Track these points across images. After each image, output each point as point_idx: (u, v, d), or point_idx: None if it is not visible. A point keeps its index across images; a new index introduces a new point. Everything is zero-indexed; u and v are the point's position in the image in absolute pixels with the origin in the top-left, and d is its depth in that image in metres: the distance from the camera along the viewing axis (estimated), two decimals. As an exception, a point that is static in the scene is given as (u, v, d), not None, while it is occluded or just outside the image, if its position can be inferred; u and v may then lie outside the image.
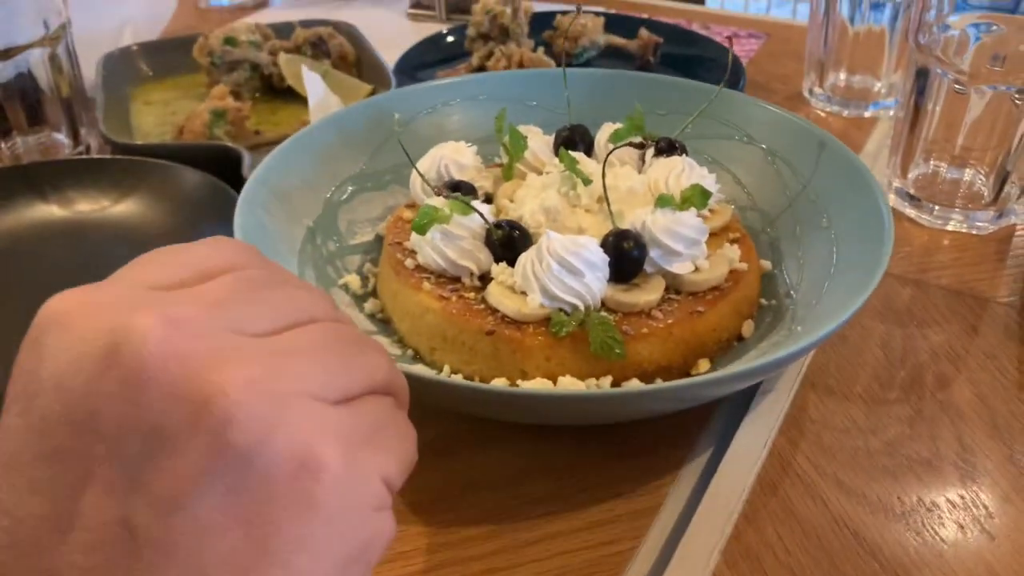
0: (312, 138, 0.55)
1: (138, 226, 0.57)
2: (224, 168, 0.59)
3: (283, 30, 0.81)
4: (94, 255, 0.56)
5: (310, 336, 0.23)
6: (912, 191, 0.60)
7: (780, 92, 0.80)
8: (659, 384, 0.41)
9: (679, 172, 0.49)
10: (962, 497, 0.40)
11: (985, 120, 0.56)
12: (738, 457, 0.42)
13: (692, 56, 0.81)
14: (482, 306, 0.44)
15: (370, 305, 0.49)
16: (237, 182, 0.58)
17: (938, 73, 0.56)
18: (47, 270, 0.55)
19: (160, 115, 0.74)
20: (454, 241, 0.45)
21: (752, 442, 0.43)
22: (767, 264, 0.51)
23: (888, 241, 0.44)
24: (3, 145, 0.68)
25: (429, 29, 0.91)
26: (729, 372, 0.39)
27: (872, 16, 0.73)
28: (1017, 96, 0.54)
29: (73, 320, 0.21)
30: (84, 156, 0.69)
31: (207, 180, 0.57)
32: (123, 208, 0.58)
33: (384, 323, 0.48)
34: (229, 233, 0.53)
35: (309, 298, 0.24)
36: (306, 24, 0.80)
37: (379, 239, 0.54)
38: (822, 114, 0.76)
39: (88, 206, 0.59)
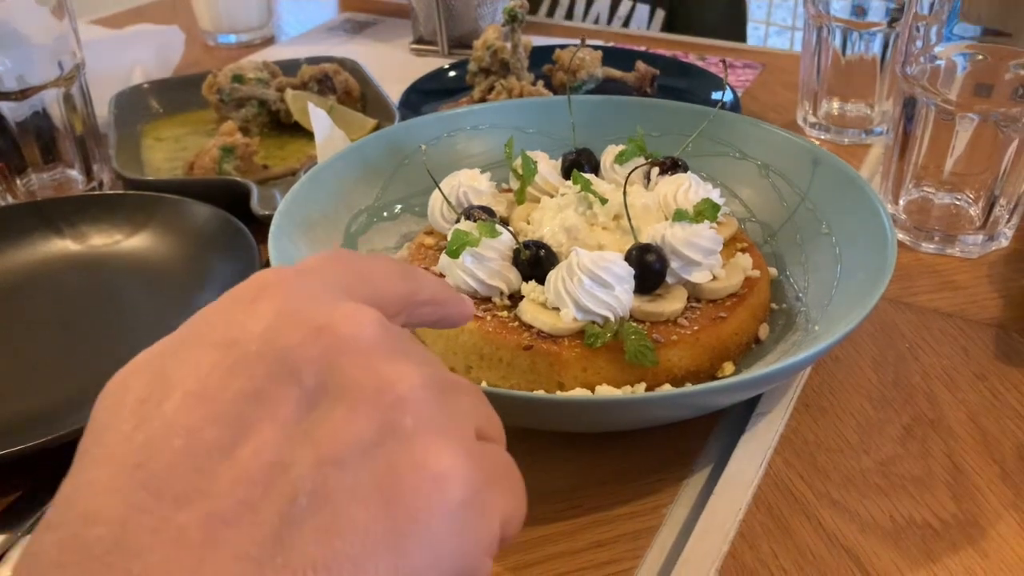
0: (329, 172, 0.57)
1: (151, 259, 0.59)
2: (233, 202, 0.61)
3: (289, 67, 0.83)
4: (108, 288, 0.57)
5: (458, 379, 0.26)
6: (904, 216, 0.61)
7: (775, 121, 0.81)
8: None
9: (686, 188, 0.52)
10: (954, 515, 0.41)
11: (973, 147, 0.58)
12: (734, 477, 0.43)
13: (688, 87, 0.83)
14: (516, 323, 0.46)
15: None
16: (246, 216, 0.60)
17: (925, 102, 0.58)
18: (63, 303, 0.56)
19: (170, 151, 0.76)
20: (484, 263, 0.48)
21: (748, 463, 0.44)
22: (773, 271, 0.54)
23: (891, 241, 0.47)
24: (19, 181, 0.70)
25: (431, 64, 0.93)
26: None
27: (863, 45, 0.75)
28: (1003, 123, 0.55)
29: (289, 292, 0.24)
30: (97, 192, 0.71)
31: (217, 214, 0.59)
32: (136, 242, 0.60)
33: None
34: (239, 265, 0.55)
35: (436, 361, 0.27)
36: (312, 61, 0.82)
37: (400, 267, 0.56)
38: (816, 142, 0.77)
39: (102, 240, 0.60)
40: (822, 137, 0.78)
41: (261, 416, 0.22)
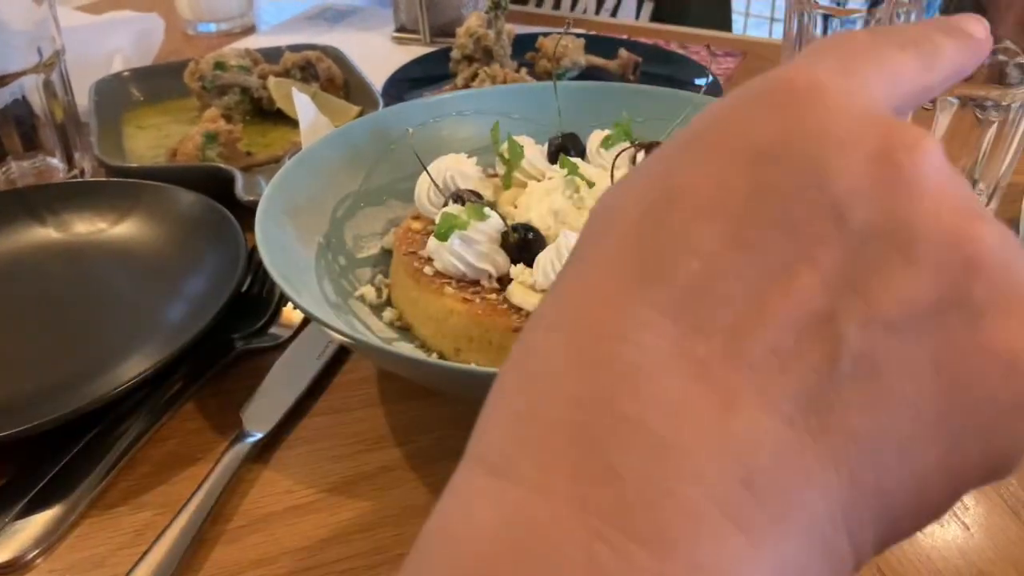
0: (315, 156, 0.57)
1: (136, 247, 0.58)
2: (217, 188, 0.61)
3: (272, 55, 0.82)
4: (92, 276, 0.57)
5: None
6: (884, 200, 0.62)
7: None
8: None
9: None
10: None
11: (952, 132, 0.58)
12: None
13: (671, 74, 0.83)
14: (505, 306, 0.46)
15: (388, 314, 0.51)
16: (230, 202, 0.60)
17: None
18: (47, 291, 0.56)
19: (153, 139, 0.75)
20: (472, 246, 0.48)
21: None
22: None
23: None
24: (-2, 170, 0.70)
25: (413, 52, 0.93)
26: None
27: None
28: (980, 108, 0.56)
29: (830, 104, 0.19)
30: (80, 180, 0.70)
31: (201, 200, 0.59)
32: (120, 229, 0.59)
33: (404, 330, 0.50)
34: (224, 251, 0.55)
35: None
36: (294, 49, 0.82)
37: (385, 252, 0.56)
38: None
39: (85, 228, 0.60)
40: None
41: (797, 252, 0.18)
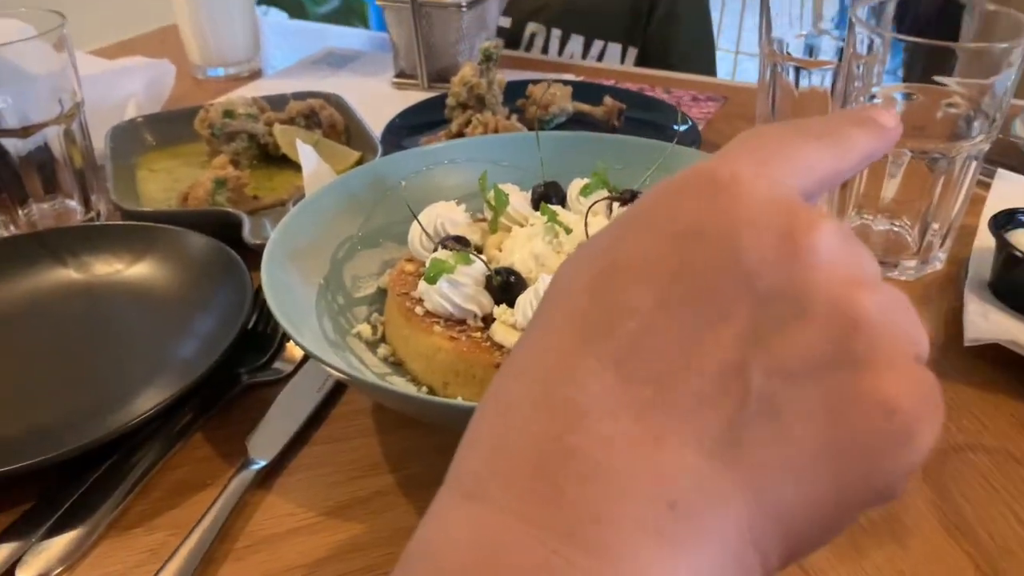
0: (316, 204, 0.61)
1: (149, 287, 0.63)
2: (226, 231, 0.66)
3: (277, 102, 0.87)
4: (110, 314, 0.61)
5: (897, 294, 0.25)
6: (846, 243, 0.67)
7: (734, 151, 0.87)
8: None
9: None
10: (880, 514, 0.46)
11: (906, 179, 0.63)
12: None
13: (653, 119, 0.88)
14: (488, 343, 0.51)
15: (382, 350, 0.55)
16: (238, 243, 0.64)
17: (861, 139, 0.63)
18: (68, 328, 0.60)
19: (164, 182, 0.80)
20: (459, 288, 0.52)
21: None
22: None
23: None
24: (20, 212, 0.74)
25: (412, 97, 0.98)
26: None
27: (814, 79, 0.81)
28: (929, 161, 0.61)
29: (745, 192, 0.23)
30: (98, 223, 0.75)
31: (211, 243, 0.63)
32: (135, 270, 0.64)
33: (396, 365, 0.54)
34: (232, 291, 0.59)
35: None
36: (299, 96, 0.87)
37: (380, 291, 0.60)
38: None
39: (103, 269, 0.64)
40: (778, 167, 0.83)
41: (715, 313, 0.22)
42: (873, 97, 0.64)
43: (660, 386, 0.22)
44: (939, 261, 0.66)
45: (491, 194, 0.61)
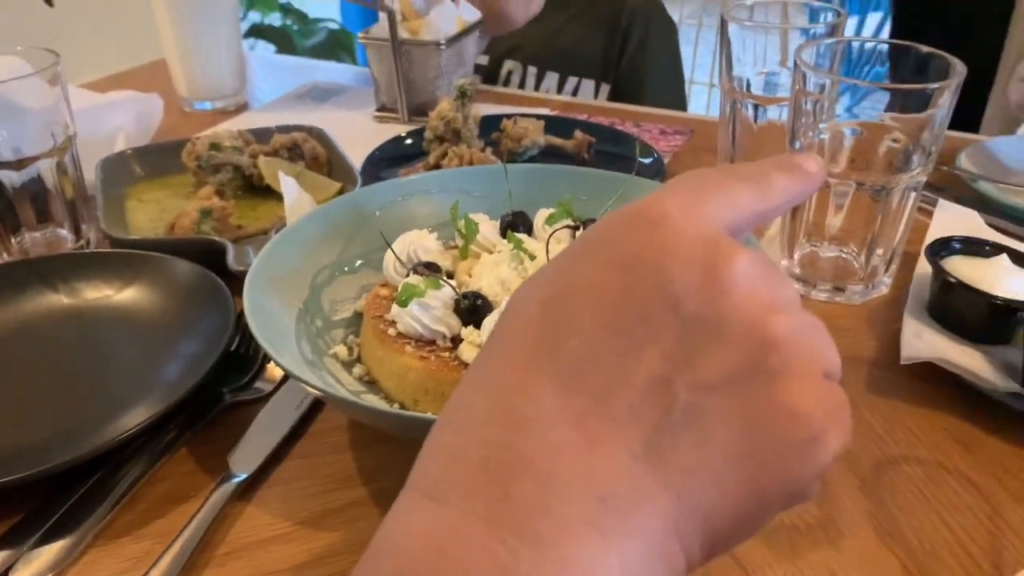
0: (297, 233, 0.64)
1: (137, 311, 0.66)
2: (211, 258, 0.69)
3: (262, 135, 0.91)
4: (100, 337, 0.64)
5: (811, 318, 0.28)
6: (798, 270, 0.71)
7: (698, 182, 0.91)
8: None
9: None
10: (817, 518, 0.49)
11: (852, 208, 0.67)
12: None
13: (621, 152, 0.92)
14: (456, 363, 0.54)
15: (358, 370, 0.58)
16: (222, 270, 0.68)
17: (808, 172, 0.67)
18: (59, 351, 0.63)
19: (152, 212, 0.84)
20: (429, 311, 0.56)
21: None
22: None
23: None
24: (13, 240, 0.77)
25: (393, 129, 1.02)
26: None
27: (771, 113, 0.85)
28: (872, 192, 0.65)
29: (679, 227, 0.27)
30: (88, 250, 0.78)
31: (197, 270, 0.67)
32: (124, 296, 0.67)
33: (371, 384, 0.58)
34: (217, 316, 0.62)
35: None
36: (283, 130, 0.91)
37: (357, 315, 0.64)
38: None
39: (93, 294, 0.68)
40: (739, 197, 0.87)
41: (646, 336, 0.26)
42: (821, 132, 0.68)
43: (597, 398, 0.26)
44: (884, 285, 0.70)
45: (462, 223, 0.65)
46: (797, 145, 0.69)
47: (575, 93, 1.30)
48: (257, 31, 2.50)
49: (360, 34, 1.05)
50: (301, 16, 2.71)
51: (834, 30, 0.80)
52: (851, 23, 3.26)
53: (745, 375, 0.26)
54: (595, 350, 0.26)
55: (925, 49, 0.65)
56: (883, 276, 0.69)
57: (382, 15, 1.01)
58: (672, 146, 1.00)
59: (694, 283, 0.26)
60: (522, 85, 1.32)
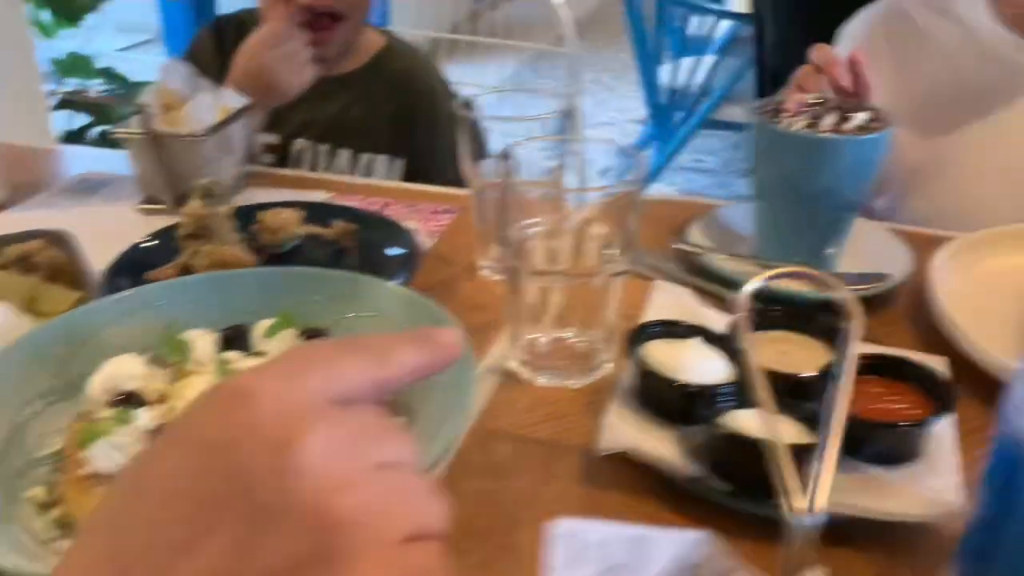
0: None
1: None
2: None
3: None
4: None
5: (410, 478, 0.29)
6: (524, 356, 0.73)
7: (459, 263, 0.94)
8: None
9: None
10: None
11: (568, 299, 0.70)
12: None
13: (384, 238, 0.93)
14: None
15: (56, 512, 0.56)
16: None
17: (518, 268, 0.70)
18: None
19: None
20: (121, 448, 0.54)
21: None
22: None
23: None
24: None
25: (160, 222, 0.99)
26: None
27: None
28: (578, 284, 0.68)
29: (262, 404, 0.27)
30: None
31: None
32: None
33: (69, 526, 0.54)
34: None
35: (407, 445, 0.31)
36: (16, 239, 0.86)
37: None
38: (490, 282, 0.89)
39: None
40: (494, 277, 0.89)
41: (207, 527, 0.26)
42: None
43: None
44: (607, 367, 0.73)
45: (167, 349, 0.64)
46: (504, 248, 0.71)
47: (369, 170, 1.31)
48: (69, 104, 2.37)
49: (114, 129, 1.02)
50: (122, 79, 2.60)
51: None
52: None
53: (308, 562, 0.26)
54: (151, 543, 0.26)
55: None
56: (603, 357, 0.73)
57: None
58: (440, 226, 1.02)
59: (266, 466, 0.26)
60: (314, 163, 1.32)
